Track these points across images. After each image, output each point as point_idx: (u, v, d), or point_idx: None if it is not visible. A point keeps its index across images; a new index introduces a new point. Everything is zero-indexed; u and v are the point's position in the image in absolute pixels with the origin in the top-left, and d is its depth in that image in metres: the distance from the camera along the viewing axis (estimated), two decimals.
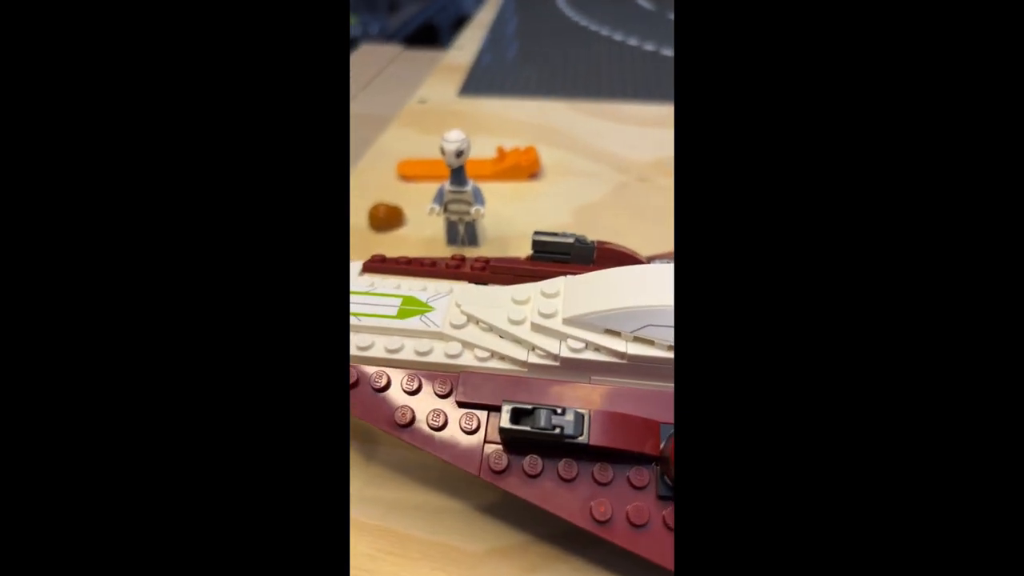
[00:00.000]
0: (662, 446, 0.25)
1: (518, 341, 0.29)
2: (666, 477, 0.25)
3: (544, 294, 0.30)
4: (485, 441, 0.26)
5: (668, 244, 0.48)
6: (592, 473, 0.25)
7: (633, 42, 0.90)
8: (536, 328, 0.29)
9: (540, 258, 0.35)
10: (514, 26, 1.01)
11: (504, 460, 0.26)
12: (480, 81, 0.80)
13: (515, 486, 0.26)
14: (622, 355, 0.27)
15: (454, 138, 0.42)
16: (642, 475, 0.25)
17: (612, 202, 0.55)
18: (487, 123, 0.69)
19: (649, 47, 0.88)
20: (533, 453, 0.26)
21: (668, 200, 0.55)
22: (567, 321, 0.28)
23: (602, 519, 0.24)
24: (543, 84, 0.78)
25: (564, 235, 0.35)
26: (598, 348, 0.28)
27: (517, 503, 0.30)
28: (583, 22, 1.00)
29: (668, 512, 0.24)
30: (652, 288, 0.27)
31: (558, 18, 1.03)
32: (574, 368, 0.28)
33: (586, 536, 0.28)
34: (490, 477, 0.26)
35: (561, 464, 0.26)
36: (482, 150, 0.60)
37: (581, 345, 0.28)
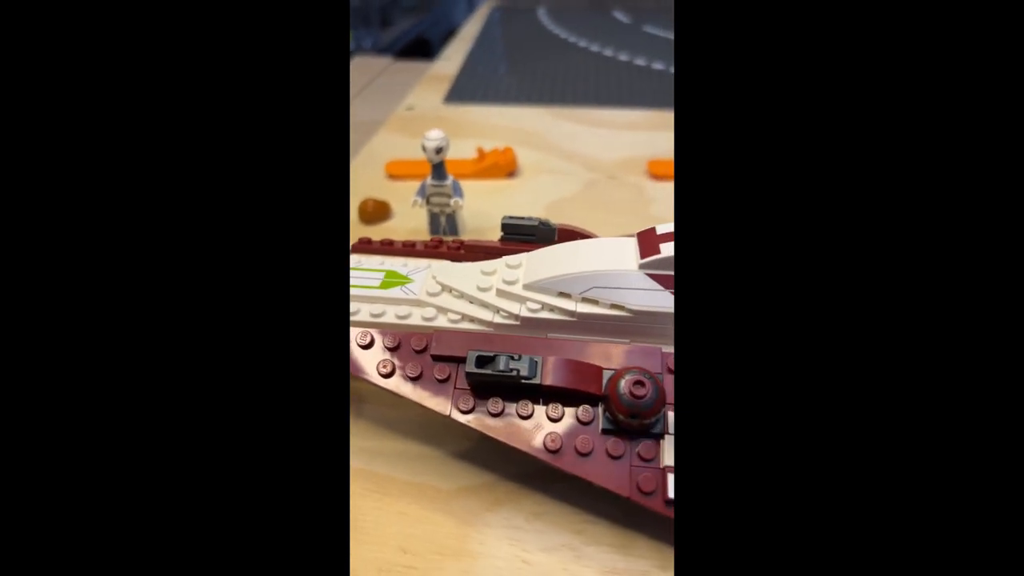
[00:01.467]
0: (604, 388, 0.29)
1: (485, 305, 0.33)
2: (607, 414, 0.29)
3: (508, 266, 0.34)
4: (455, 388, 0.31)
5: (629, 231, 0.52)
6: (546, 411, 0.30)
7: (609, 53, 0.95)
8: (500, 294, 0.33)
9: (509, 239, 0.40)
10: (498, 38, 1.07)
11: (471, 402, 0.30)
12: (464, 89, 0.85)
13: (480, 423, 0.30)
14: (572, 314, 0.31)
15: (434, 136, 0.47)
16: (588, 412, 0.29)
17: (582, 197, 0.59)
18: (469, 127, 0.74)
19: (623, 57, 0.93)
20: (495, 396, 0.30)
21: (633, 195, 0.60)
22: (527, 287, 0.33)
23: (553, 448, 0.29)
24: (523, 92, 0.83)
25: (529, 219, 0.39)
26: (552, 309, 0.32)
27: (487, 448, 0.34)
28: (563, 35, 1.06)
29: (611, 443, 0.29)
30: (597, 257, 0.32)
31: (540, 31, 1.09)
32: (533, 326, 0.32)
33: (545, 475, 0.32)
34: (459, 416, 0.30)
35: (519, 404, 0.30)
36: (464, 151, 0.64)
37: (538, 306, 0.32)
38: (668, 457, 0.28)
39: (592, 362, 0.30)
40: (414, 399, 0.31)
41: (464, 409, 0.30)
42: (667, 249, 0.31)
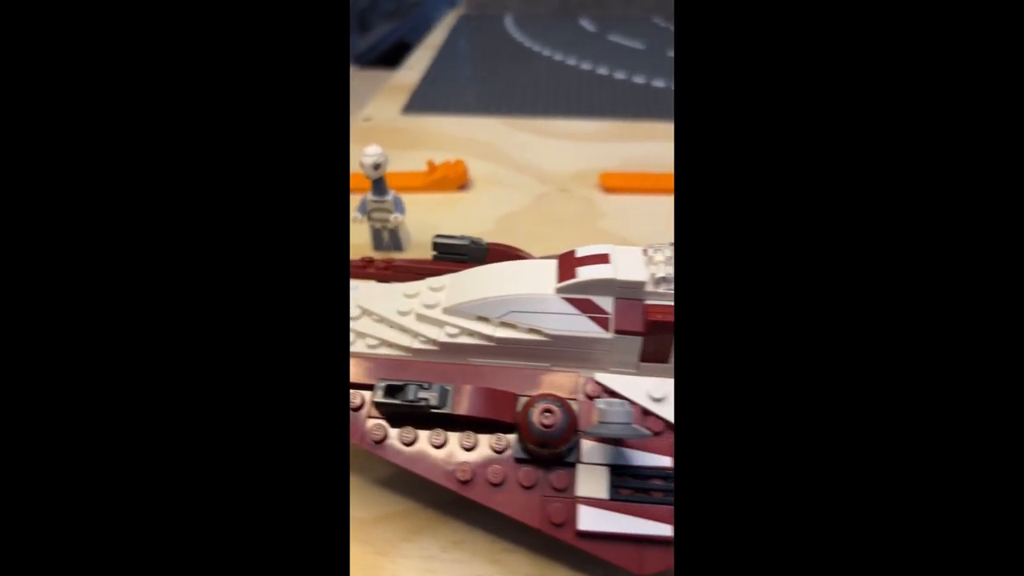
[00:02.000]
0: (518, 417, 0.29)
1: (405, 330, 0.33)
2: (521, 442, 0.29)
3: (431, 288, 0.34)
4: (368, 416, 0.30)
5: (577, 245, 0.52)
6: (460, 440, 0.29)
7: (572, 62, 0.95)
8: (420, 318, 0.33)
9: (441, 259, 0.39)
10: (462, 48, 1.06)
11: (382, 431, 0.29)
12: (424, 100, 0.84)
13: (391, 454, 0.29)
14: (491, 338, 0.31)
15: (371, 152, 0.46)
16: (501, 441, 0.29)
17: (532, 210, 0.59)
18: (425, 139, 0.73)
19: (586, 67, 0.93)
20: (408, 424, 0.29)
21: (584, 208, 0.59)
22: (446, 311, 0.32)
23: (464, 479, 0.28)
24: (482, 102, 0.83)
25: (461, 237, 0.39)
26: (472, 333, 0.31)
27: (406, 475, 0.33)
28: (528, 43, 1.06)
29: (523, 473, 0.28)
30: (517, 279, 0.31)
31: (505, 40, 1.09)
32: (452, 352, 0.32)
33: (466, 502, 0.31)
34: (369, 447, 0.29)
35: (432, 433, 0.29)
36: (418, 164, 0.64)
37: (457, 331, 0.31)
38: (581, 487, 0.27)
39: (509, 388, 0.30)
40: None
41: (376, 439, 0.29)
42: (583, 273, 0.30)
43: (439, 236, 0.39)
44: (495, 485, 0.28)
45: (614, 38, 1.05)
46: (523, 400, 0.29)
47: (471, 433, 0.29)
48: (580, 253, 0.32)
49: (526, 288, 0.31)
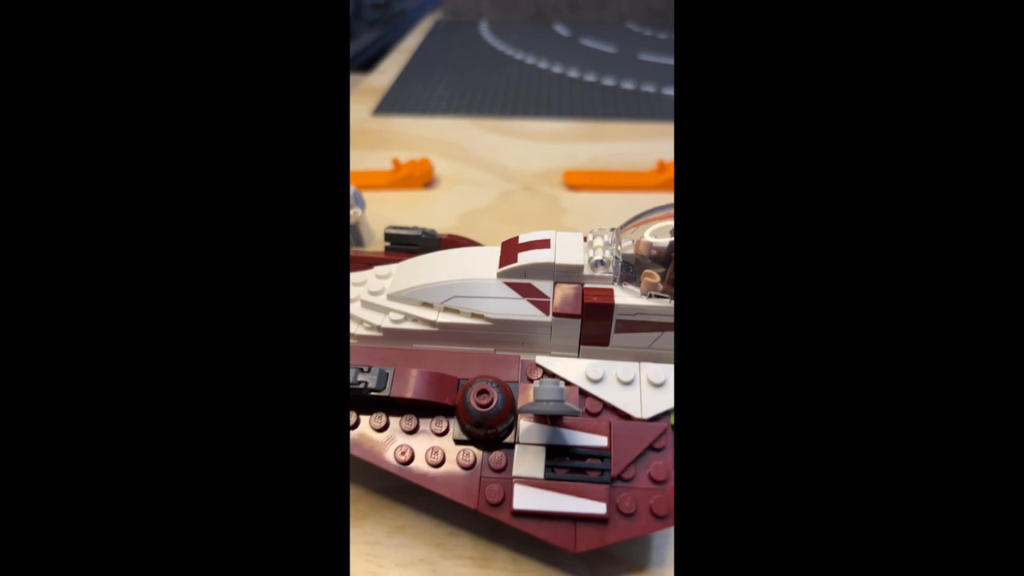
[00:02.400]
0: (456, 399, 0.29)
1: (351, 317, 0.33)
2: (460, 423, 0.29)
3: (377, 276, 0.34)
4: None
5: None
6: (400, 423, 0.29)
7: (543, 65, 0.96)
8: (365, 304, 0.33)
9: (394, 250, 0.39)
10: (437, 51, 1.07)
11: None
12: (394, 102, 0.84)
13: None
14: (434, 324, 0.31)
15: None
16: (441, 423, 0.29)
17: (495, 208, 0.59)
18: (393, 139, 0.74)
19: (557, 69, 0.94)
20: (350, 409, 0.30)
21: (547, 205, 0.60)
22: (391, 297, 0.32)
23: (403, 461, 0.28)
24: (452, 104, 0.83)
25: (413, 228, 0.39)
26: (416, 319, 0.32)
27: (354, 460, 0.33)
28: (501, 48, 1.07)
29: (461, 453, 0.28)
30: (461, 266, 0.32)
31: (480, 44, 1.10)
32: (396, 338, 0.32)
33: (412, 487, 0.32)
34: None
35: (372, 416, 0.29)
36: (386, 163, 0.64)
37: (401, 317, 0.32)
38: (518, 467, 0.28)
39: (451, 373, 0.30)
40: None
41: None
42: (524, 258, 0.31)
43: (391, 227, 0.39)
44: (434, 466, 0.28)
45: (587, 42, 1.07)
46: (463, 383, 0.30)
47: (412, 416, 0.29)
48: (524, 239, 0.32)
49: (469, 273, 0.31)
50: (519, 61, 0.99)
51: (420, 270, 0.33)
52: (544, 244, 0.31)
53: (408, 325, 0.32)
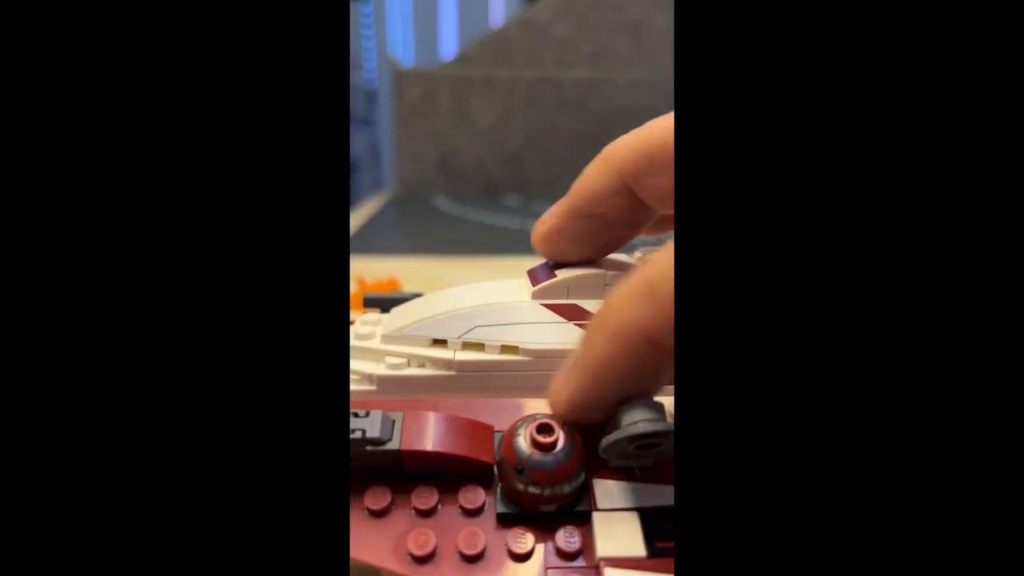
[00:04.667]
0: (497, 454, 0.20)
1: None
2: (504, 492, 0.19)
3: (364, 322, 0.26)
4: None
5: None
6: (412, 500, 0.19)
7: (500, 224, 0.98)
8: (352, 351, 0.24)
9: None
10: (390, 217, 1.08)
11: None
12: (355, 242, 0.81)
13: None
14: (450, 364, 0.23)
15: None
16: (476, 496, 0.19)
17: None
18: (354, 270, 0.69)
19: (515, 227, 0.96)
20: None
21: None
22: (387, 338, 0.24)
23: (422, 555, 0.18)
24: (415, 248, 0.81)
25: (400, 293, 0.32)
26: (423, 361, 0.23)
27: None
28: (455, 214, 1.10)
29: (511, 536, 0.18)
30: (482, 292, 0.25)
31: (433, 211, 1.12)
32: (395, 389, 0.23)
33: None
34: None
35: (368, 492, 0.19)
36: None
37: (401, 361, 0.23)
38: (604, 545, 0.18)
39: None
40: None
41: None
42: (565, 272, 0.24)
43: (370, 294, 0.32)
44: (470, 559, 0.18)
45: (538, 209, 1.12)
46: (503, 435, 0.21)
47: (430, 488, 0.19)
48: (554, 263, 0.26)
49: (495, 298, 0.24)
50: (475, 222, 1.01)
51: (426, 304, 0.25)
52: (586, 262, 0.25)
53: (412, 371, 0.23)
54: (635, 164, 0.22)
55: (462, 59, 1.24)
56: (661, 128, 0.22)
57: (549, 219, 0.24)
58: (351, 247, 0.75)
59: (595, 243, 0.24)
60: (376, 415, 0.19)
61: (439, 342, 0.24)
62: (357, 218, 1.04)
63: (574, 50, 1.20)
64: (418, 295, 0.31)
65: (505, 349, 0.23)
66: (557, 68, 1.20)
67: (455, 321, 0.23)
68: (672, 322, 0.16)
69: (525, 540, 0.18)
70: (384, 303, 0.31)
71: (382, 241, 0.89)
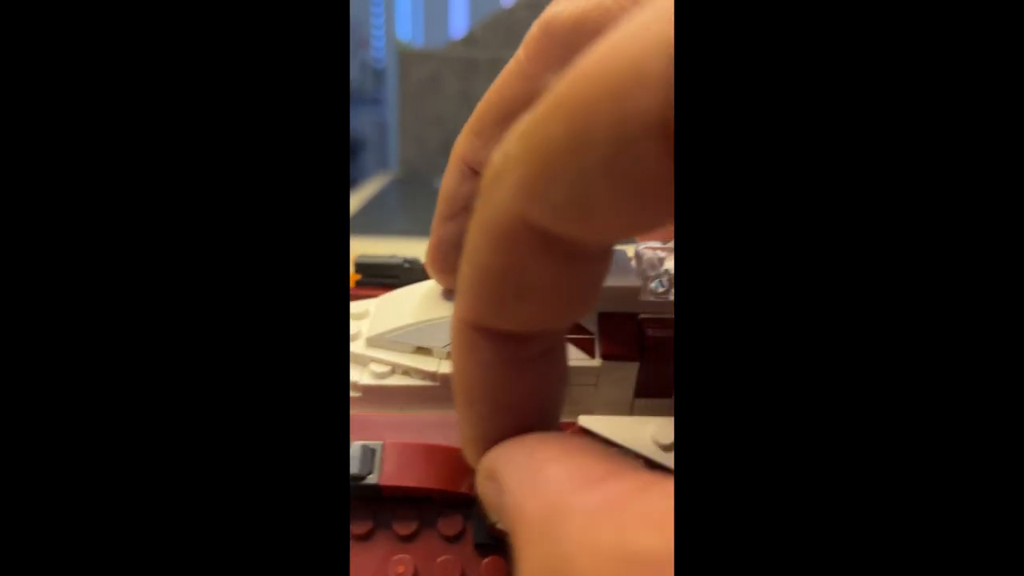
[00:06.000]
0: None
1: None
2: (482, 519, 0.18)
3: (351, 315, 0.25)
4: None
5: None
6: (393, 527, 0.18)
7: None
8: None
9: (367, 284, 0.31)
10: (391, 201, 1.07)
11: None
12: (355, 225, 0.81)
13: None
14: (434, 376, 0.22)
15: None
16: (455, 522, 0.18)
17: None
18: (355, 251, 0.68)
19: None
20: None
21: None
22: (371, 342, 0.23)
23: None
24: (414, 228, 0.80)
25: (391, 257, 0.31)
26: (407, 371, 0.22)
27: None
28: None
29: (488, 563, 0.18)
30: None
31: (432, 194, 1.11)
32: (380, 399, 0.22)
33: None
34: None
35: (352, 518, 0.18)
36: None
37: (386, 369, 0.22)
38: None
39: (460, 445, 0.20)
40: None
41: None
42: None
43: (363, 257, 0.31)
44: None
45: None
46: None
47: (411, 513, 0.19)
48: None
49: None
50: None
51: (411, 304, 0.24)
52: None
53: (396, 380, 0.22)
54: (470, 145, 0.22)
55: (469, 40, 1.21)
56: (484, 101, 0.21)
57: (430, 240, 0.23)
58: (351, 228, 0.74)
59: None
60: (356, 447, 0.19)
61: (424, 351, 0.23)
62: (359, 198, 1.03)
63: None
64: (412, 261, 0.30)
65: None
66: None
67: (439, 330, 0.22)
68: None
69: (502, 569, 0.17)
70: (376, 269, 0.30)
71: (382, 222, 0.88)
